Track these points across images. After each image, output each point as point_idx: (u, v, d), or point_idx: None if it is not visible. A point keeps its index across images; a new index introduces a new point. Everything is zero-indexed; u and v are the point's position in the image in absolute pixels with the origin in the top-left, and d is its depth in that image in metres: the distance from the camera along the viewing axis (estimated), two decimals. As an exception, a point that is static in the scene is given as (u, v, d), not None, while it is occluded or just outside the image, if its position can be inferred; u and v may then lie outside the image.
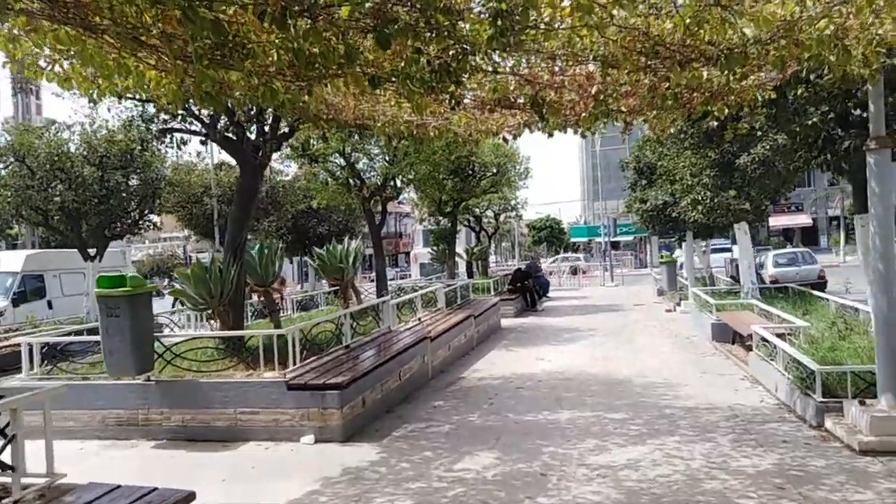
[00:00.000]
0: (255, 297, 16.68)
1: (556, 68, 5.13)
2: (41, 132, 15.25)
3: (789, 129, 9.49)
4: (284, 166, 16.73)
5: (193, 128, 8.62)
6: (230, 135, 8.54)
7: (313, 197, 16.56)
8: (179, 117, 8.33)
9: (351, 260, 12.02)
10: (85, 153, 15.36)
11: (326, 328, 9.16)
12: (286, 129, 9.20)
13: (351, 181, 14.80)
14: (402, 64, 4.37)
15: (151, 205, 17.35)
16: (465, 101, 5.73)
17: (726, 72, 5.14)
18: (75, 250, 16.85)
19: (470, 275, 23.32)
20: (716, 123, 11.09)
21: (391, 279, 42.24)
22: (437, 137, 6.76)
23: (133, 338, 7.06)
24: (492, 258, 62.62)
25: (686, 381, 9.15)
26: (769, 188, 13.64)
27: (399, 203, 17.87)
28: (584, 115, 6.05)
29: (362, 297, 15.81)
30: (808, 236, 52.45)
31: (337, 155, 14.60)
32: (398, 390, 8.63)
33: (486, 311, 14.98)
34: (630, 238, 57.49)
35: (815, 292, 13.45)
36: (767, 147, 12.73)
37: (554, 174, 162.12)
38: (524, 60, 4.85)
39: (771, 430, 6.49)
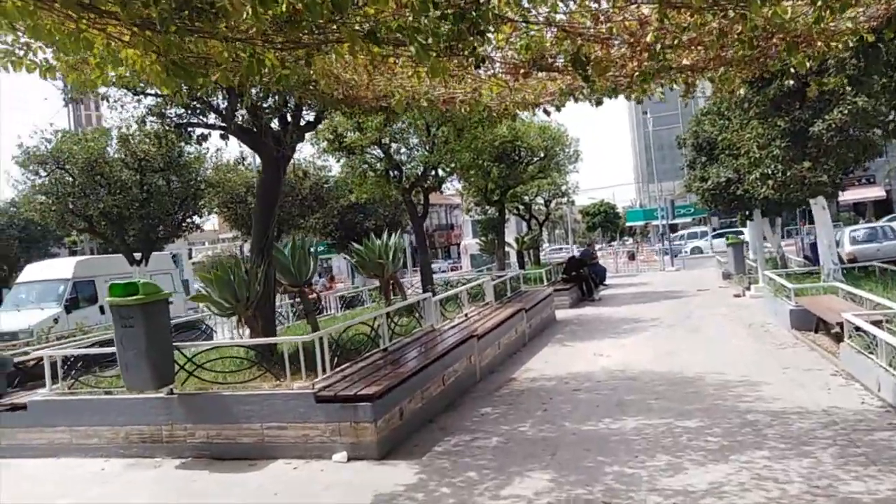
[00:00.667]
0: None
1: (601, 15, 4.18)
2: (79, 138, 15.10)
3: (880, 86, 8.25)
4: (322, 161, 16.13)
5: (211, 121, 8.01)
6: (250, 126, 7.88)
7: (353, 191, 15.92)
8: (196, 110, 7.73)
9: (391, 255, 11.29)
10: (124, 157, 15.12)
11: (362, 330, 8.44)
12: (311, 119, 8.50)
13: (390, 173, 14.06)
14: (410, 16, 3.53)
15: (193, 206, 17.06)
16: (496, 66, 4.85)
17: (818, 4, 4.10)
18: (121, 255, 16.73)
19: (521, 265, 22.37)
20: (791, 83, 9.91)
21: (443, 272, 41.49)
22: (469, 113, 5.87)
23: (149, 349, 6.49)
24: (545, 245, 61.28)
25: (767, 377, 8.04)
26: (847, 158, 12.23)
27: (441, 193, 17.06)
28: (636, 73, 5.09)
29: (408, 292, 15.11)
30: (882, 210, 49.08)
31: (374, 146, 13.88)
32: (441, 397, 7.84)
33: (539, 303, 14.04)
34: (689, 220, 55.30)
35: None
36: (846, 111, 11.35)
37: (606, 158, 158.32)
38: (561, 4, 3.93)
39: (882, 441, 5.40)
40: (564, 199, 25.12)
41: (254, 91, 7.15)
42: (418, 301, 9.82)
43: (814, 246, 17.41)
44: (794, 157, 11.83)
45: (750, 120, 12.40)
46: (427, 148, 14.09)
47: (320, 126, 10.17)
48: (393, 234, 11.85)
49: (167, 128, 7.79)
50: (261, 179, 8.34)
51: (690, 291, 19.63)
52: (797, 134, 11.85)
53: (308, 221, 24.28)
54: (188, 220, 17.21)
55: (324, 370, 6.80)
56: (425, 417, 7.31)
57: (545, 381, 8.98)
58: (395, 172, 13.96)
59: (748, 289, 17.08)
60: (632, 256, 39.70)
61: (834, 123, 11.32)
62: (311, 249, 9.66)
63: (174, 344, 6.97)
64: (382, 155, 14.06)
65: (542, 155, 19.65)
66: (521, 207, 25.40)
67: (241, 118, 7.87)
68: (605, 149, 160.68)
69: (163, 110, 7.49)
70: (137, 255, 16.82)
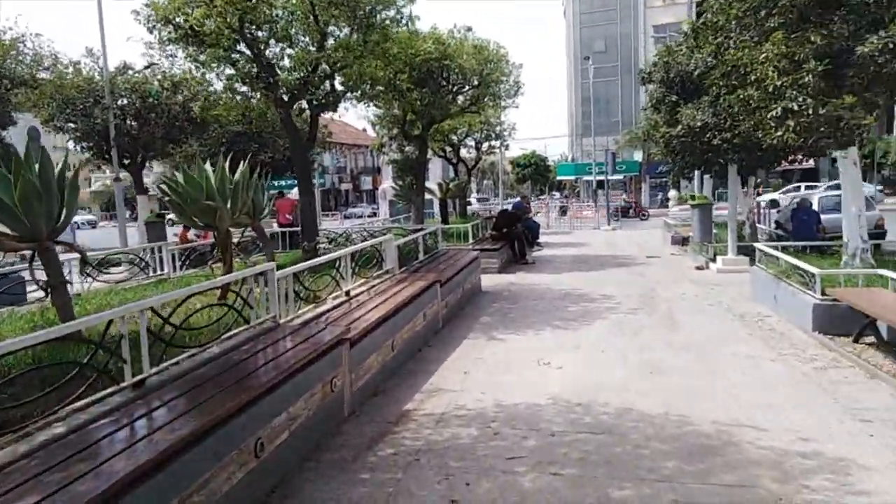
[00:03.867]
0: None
1: None
2: None
3: None
4: (167, 56, 11.10)
5: None
6: None
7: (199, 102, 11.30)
8: None
9: (233, 194, 7.01)
10: None
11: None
12: None
13: (259, 77, 9.55)
14: None
15: (-7, 113, 11.99)
16: None
17: None
18: None
19: (444, 216, 18.38)
20: None
21: (359, 217, 36.69)
22: None
23: None
24: (473, 196, 57.33)
25: (849, 447, 4.40)
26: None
27: (335, 114, 12.38)
28: None
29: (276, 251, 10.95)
30: (809, 179, 47.86)
31: (235, 37, 9.30)
32: (250, 479, 3.78)
33: (461, 271, 10.12)
34: (620, 177, 52.58)
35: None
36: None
37: (539, 108, 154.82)
38: None
39: None
40: (498, 143, 21.06)
41: None
42: (246, 277, 5.52)
43: (796, 213, 14.24)
44: (826, 89, 8.19)
45: (769, 32, 8.60)
46: (314, 44, 9.61)
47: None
48: (242, 163, 7.52)
49: None
50: None
51: (639, 258, 16.26)
52: (835, 56, 8.19)
53: (185, 148, 19.34)
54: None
55: None
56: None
57: (459, 426, 5.07)
58: (265, 76, 9.44)
59: (713, 260, 13.77)
60: (563, 211, 36.62)
61: (893, 42, 7.68)
62: (69, 173, 5.34)
63: None
64: (248, 51, 9.50)
65: (476, 82, 15.48)
66: (449, 149, 21.23)
67: None
68: (539, 100, 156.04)
69: None
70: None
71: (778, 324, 8.33)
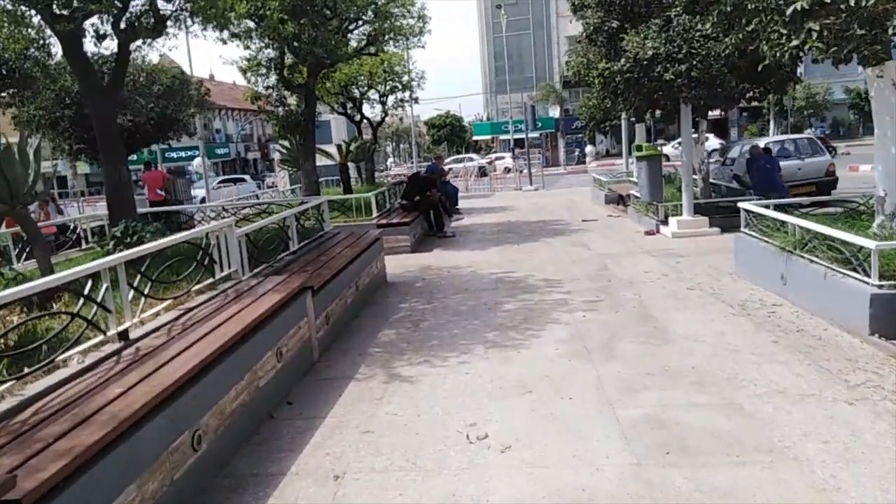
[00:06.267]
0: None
1: None
2: None
3: None
4: None
5: None
6: None
7: None
8: None
9: None
10: None
11: None
12: None
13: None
14: None
15: None
16: None
17: None
18: None
19: (346, 185, 14.97)
20: None
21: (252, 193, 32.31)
22: None
23: None
24: (390, 160, 53.40)
25: None
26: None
27: (158, 37, 8.56)
28: None
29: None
30: (719, 131, 47.04)
31: None
32: None
33: (352, 262, 6.94)
34: (537, 134, 50.17)
35: None
36: None
37: (452, 68, 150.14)
38: None
39: None
40: (407, 95, 17.64)
41: None
42: None
43: (753, 161, 11.81)
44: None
45: None
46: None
47: None
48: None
49: None
50: None
51: (573, 223, 13.57)
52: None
53: (21, 113, 14.92)
54: None
55: None
56: None
57: None
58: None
59: (664, 223, 11.18)
60: (483, 173, 33.77)
61: None
62: None
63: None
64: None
65: (372, 14, 12.03)
66: (350, 105, 17.67)
67: None
68: (452, 59, 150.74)
69: None
70: None
71: (801, 318, 5.69)
